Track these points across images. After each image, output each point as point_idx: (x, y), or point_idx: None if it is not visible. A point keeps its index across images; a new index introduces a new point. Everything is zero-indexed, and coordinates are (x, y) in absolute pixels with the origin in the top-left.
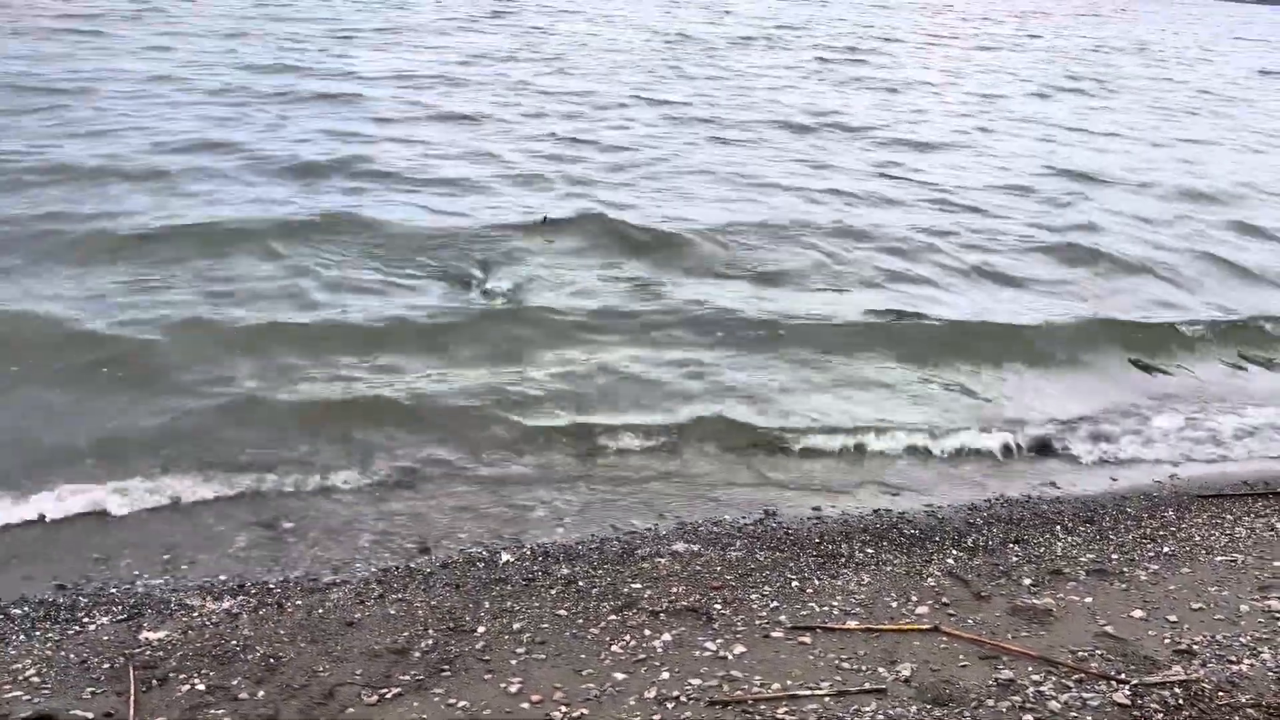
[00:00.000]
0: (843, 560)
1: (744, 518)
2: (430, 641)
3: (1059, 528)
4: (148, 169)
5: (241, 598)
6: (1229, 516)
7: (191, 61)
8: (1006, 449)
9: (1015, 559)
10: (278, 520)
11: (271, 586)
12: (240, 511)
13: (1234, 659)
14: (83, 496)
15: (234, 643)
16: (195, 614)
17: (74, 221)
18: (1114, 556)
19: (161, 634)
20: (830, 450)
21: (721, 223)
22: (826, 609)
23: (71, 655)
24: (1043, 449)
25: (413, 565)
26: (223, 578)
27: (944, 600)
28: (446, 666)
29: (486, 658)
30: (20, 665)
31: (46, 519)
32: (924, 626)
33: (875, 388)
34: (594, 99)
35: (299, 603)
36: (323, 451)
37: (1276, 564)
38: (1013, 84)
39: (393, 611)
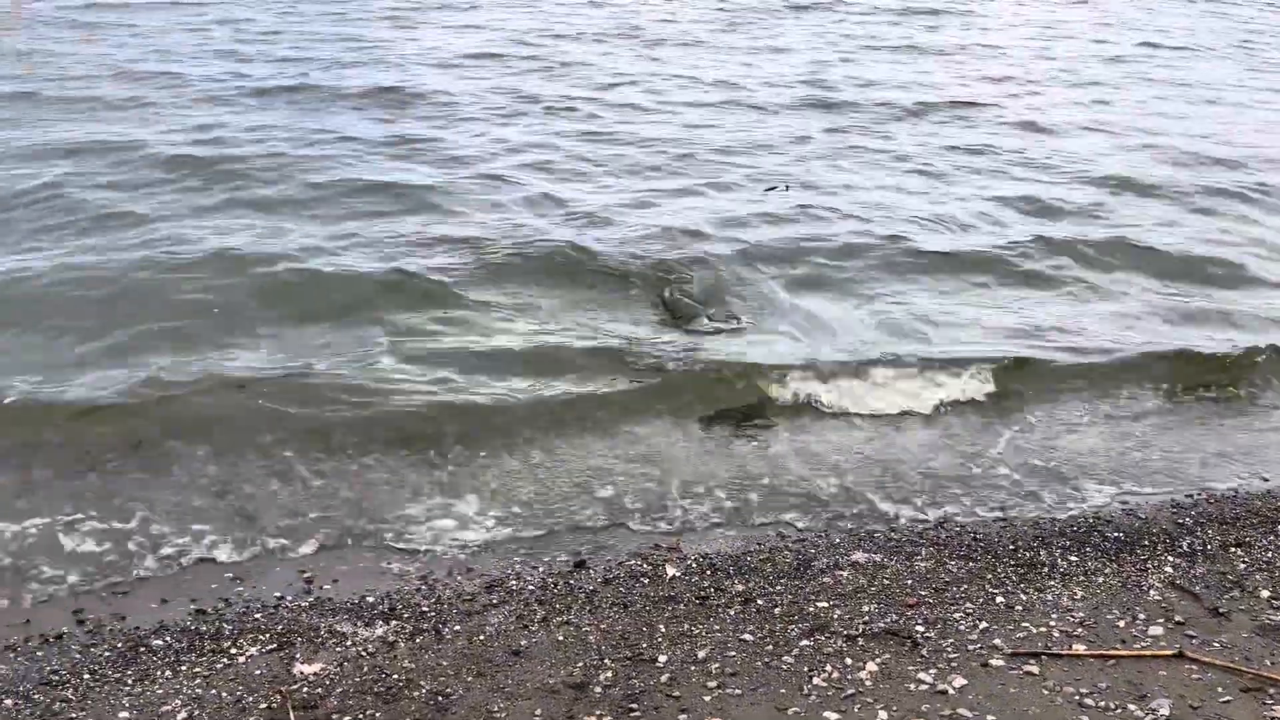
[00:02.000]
0: (1045, 570)
1: (920, 520)
2: (609, 674)
3: None
4: None
5: (395, 623)
6: None
7: None
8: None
9: (1243, 566)
10: (413, 534)
11: (425, 610)
12: (369, 523)
13: None
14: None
15: (396, 677)
16: (349, 643)
17: None
18: None
19: (316, 667)
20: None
21: None
22: (1044, 630)
23: (224, 693)
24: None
25: (572, 582)
26: (370, 600)
27: (1176, 618)
28: (634, 705)
29: (676, 693)
30: (169, 706)
31: None
32: (1166, 652)
33: None
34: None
35: (457, 628)
36: (449, 460)
37: None
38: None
39: (560, 637)
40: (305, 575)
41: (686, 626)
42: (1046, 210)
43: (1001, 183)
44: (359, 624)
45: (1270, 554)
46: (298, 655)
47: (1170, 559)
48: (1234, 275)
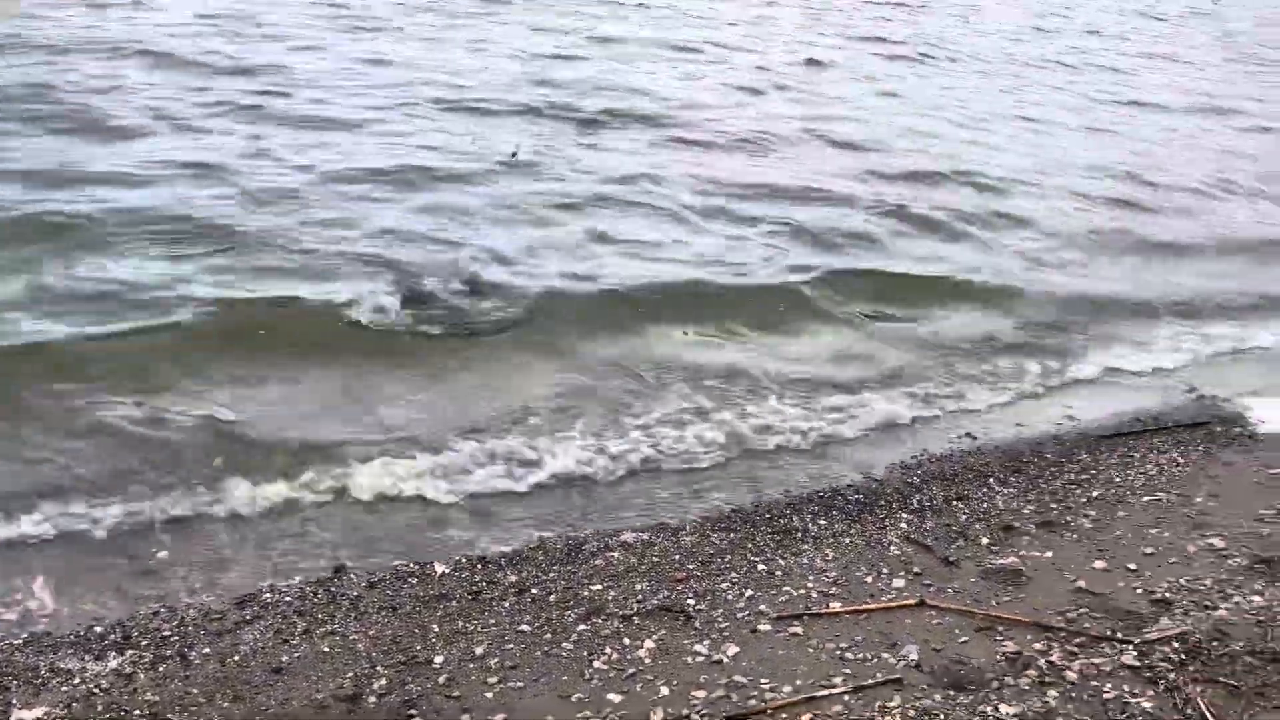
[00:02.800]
0: (799, 535)
1: (680, 499)
2: (384, 681)
3: (992, 480)
4: None
5: (131, 652)
6: (1135, 455)
7: None
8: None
9: (964, 517)
10: (149, 551)
11: (166, 634)
12: (100, 544)
13: (1209, 604)
14: None
15: (138, 713)
16: (77, 680)
17: None
18: (1053, 506)
19: (39, 712)
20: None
21: None
22: (804, 593)
23: None
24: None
25: (334, 589)
26: (98, 629)
27: (914, 570)
28: (413, 710)
29: (456, 693)
30: None
31: None
32: (909, 602)
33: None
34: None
35: (206, 650)
36: (187, 469)
37: (1197, 500)
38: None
39: (326, 648)
40: (17, 606)
41: (461, 624)
42: (777, 235)
43: (730, 203)
44: (88, 658)
45: (985, 505)
46: (14, 700)
47: (905, 515)
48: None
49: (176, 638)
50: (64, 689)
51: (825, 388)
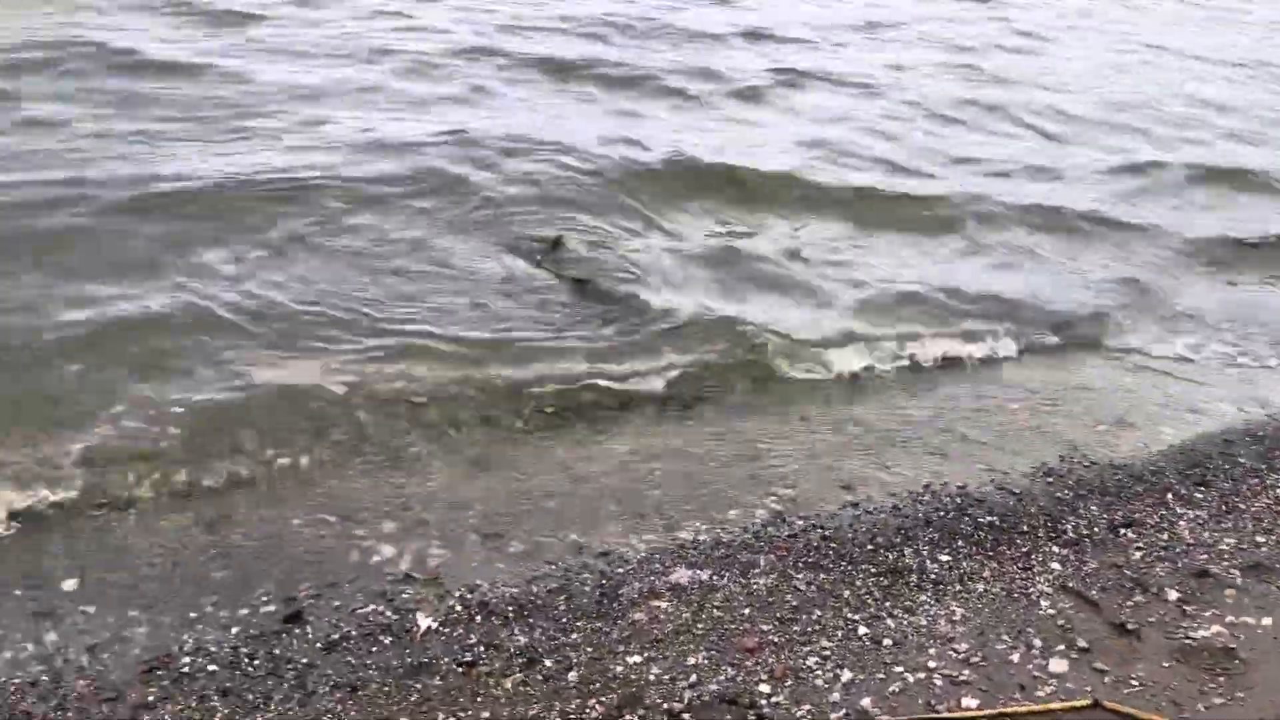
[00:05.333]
0: (914, 580)
1: (751, 514)
2: None
3: (1171, 496)
4: None
5: None
6: None
7: None
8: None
9: (1139, 554)
10: None
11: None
12: None
13: None
14: None
15: None
16: None
17: None
18: (1260, 541)
19: None
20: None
21: None
22: (923, 676)
23: None
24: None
25: (277, 650)
26: None
27: (1079, 643)
28: None
29: None
30: None
31: None
32: (1079, 703)
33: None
34: None
35: None
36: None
37: None
38: None
39: None
40: None
41: (440, 718)
42: None
43: None
44: None
45: (1165, 535)
46: None
47: (1056, 550)
48: None
49: None
50: None
51: None
